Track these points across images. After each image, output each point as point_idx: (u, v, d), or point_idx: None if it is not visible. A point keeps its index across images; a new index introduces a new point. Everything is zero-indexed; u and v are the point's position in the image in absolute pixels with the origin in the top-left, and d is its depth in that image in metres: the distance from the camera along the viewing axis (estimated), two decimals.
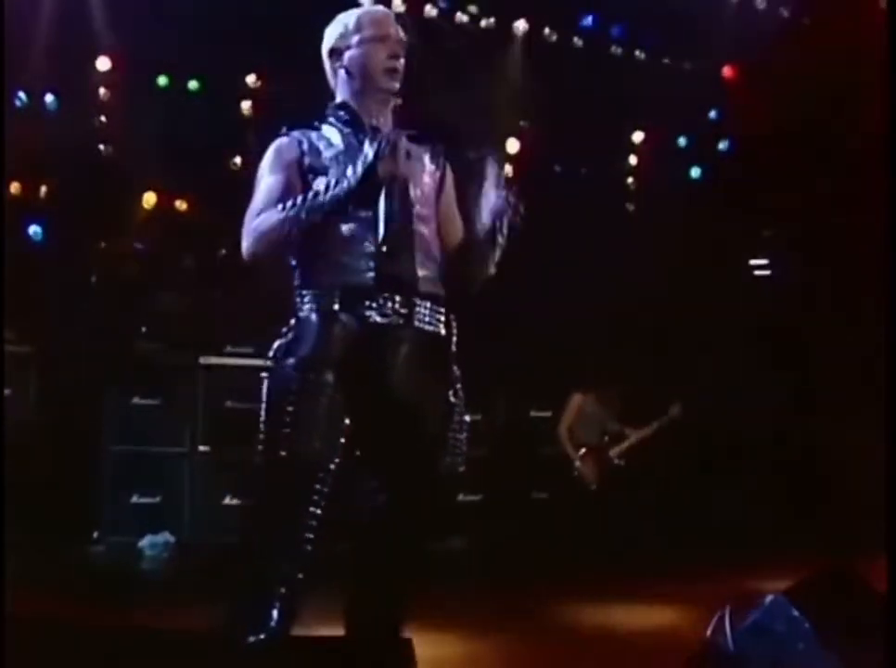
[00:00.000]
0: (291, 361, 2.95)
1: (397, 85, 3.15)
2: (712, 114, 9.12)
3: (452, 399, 3.07)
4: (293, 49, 8.03)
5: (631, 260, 8.15)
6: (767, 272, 10.06)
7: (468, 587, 5.90)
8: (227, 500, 7.16)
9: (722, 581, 6.12)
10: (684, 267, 8.87)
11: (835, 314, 8.63)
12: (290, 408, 2.84)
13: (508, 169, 6.35)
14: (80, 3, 7.31)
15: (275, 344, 3.06)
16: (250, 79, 8.48)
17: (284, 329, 3.07)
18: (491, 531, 7.12)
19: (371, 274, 2.99)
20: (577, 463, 7.58)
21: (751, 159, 8.65)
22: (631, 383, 7.93)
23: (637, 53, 8.84)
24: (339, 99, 3.22)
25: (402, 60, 3.14)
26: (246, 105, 8.52)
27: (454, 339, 3.11)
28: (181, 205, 8.00)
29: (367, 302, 2.97)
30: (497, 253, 3.08)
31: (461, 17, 8.53)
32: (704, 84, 8.62)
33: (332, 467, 2.84)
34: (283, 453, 2.83)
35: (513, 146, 8.53)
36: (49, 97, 7.48)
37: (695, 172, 9.36)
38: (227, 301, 7.63)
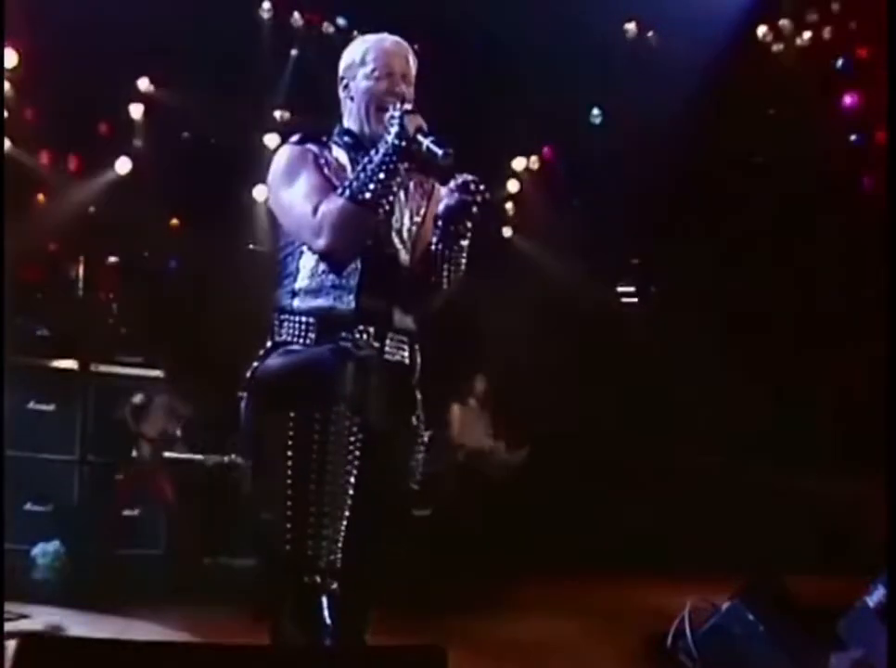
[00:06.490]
0: (273, 386, 3.04)
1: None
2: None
3: (414, 422, 3.21)
4: (187, 56, 8.05)
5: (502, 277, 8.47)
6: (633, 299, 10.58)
7: None
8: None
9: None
10: (557, 286, 9.25)
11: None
12: (316, 437, 2.92)
13: None
14: None
15: (253, 365, 3.12)
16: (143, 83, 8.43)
17: (261, 352, 3.13)
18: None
19: (351, 306, 3.07)
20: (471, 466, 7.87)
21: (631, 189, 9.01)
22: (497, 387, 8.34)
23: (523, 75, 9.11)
24: (345, 124, 3.24)
25: (402, 99, 3.09)
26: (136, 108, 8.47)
27: (418, 367, 3.22)
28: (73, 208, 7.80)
29: (344, 334, 3.06)
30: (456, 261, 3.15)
31: (356, 35, 8.63)
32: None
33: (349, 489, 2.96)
34: (313, 476, 2.91)
35: None
36: None
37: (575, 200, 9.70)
38: (119, 309, 7.50)
